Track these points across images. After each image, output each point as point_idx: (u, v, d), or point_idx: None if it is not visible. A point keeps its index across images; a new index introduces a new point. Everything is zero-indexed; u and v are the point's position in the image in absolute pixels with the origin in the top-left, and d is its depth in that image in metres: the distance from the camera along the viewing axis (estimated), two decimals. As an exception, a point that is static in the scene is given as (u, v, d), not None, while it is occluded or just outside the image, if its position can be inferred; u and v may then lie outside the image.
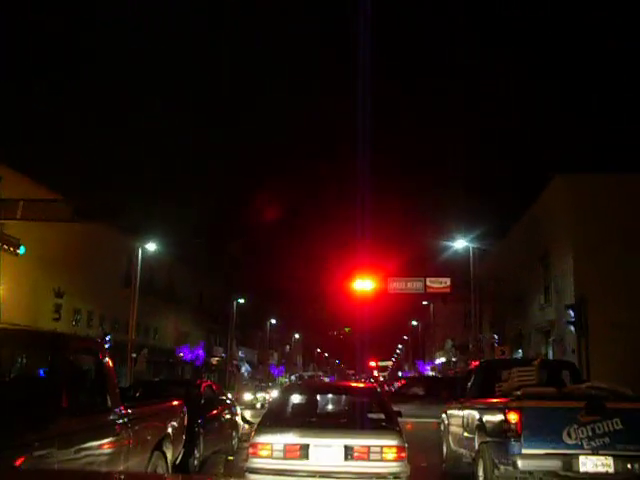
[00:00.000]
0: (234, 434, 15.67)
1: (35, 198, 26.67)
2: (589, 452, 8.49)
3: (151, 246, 40.16)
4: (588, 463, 8.47)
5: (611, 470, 8.48)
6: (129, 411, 7.72)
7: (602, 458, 8.48)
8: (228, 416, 15.55)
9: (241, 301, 66.23)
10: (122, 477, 2.74)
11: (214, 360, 64.51)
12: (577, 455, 8.48)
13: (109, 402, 7.34)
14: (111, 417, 7.24)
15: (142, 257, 39.37)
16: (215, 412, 14.33)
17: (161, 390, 14.55)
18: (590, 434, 8.52)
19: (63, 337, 8.50)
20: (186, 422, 10.21)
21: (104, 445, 6.83)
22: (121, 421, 7.37)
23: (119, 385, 9.72)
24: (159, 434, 8.71)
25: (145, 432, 8.19)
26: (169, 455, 8.89)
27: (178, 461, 9.69)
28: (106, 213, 24.04)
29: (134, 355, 38.31)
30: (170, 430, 9.11)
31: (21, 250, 29.18)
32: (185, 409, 10.22)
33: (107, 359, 7.75)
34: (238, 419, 16.87)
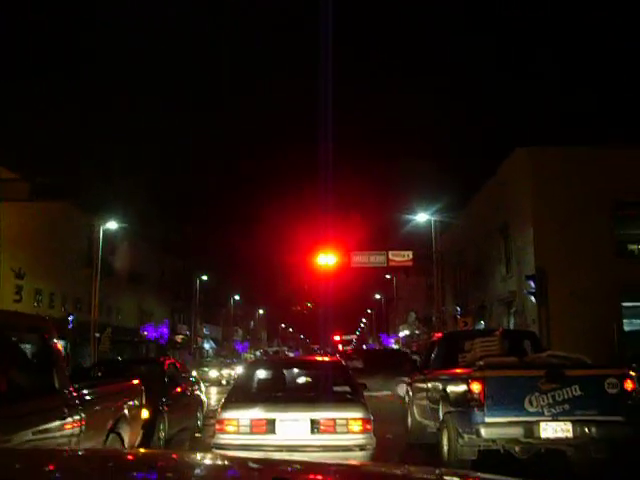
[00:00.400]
0: (199, 411, 15.41)
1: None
2: (549, 419, 8.69)
3: (112, 225, 39.75)
4: (549, 429, 8.68)
5: (570, 435, 8.70)
6: (80, 393, 7.44)
7: (562, 424, 8.69)
8: (193, 393, 15.41)
9: (204, 278, 66.03)
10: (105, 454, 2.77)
11: (179, 338, 64.33)
12: (538, 422, 8.68)
13: (56, 384, 7.00)
14: (59, 400, 6.88)
15: (103, 236, 38.97)
16: (179, 390, 14.17)
17: (124, 369, 14.44)
18: (550, 401, 8.71)
19: (3, 314, 7.97)
20: (144, 401, 9.92)
21: (51, 429, 6.54)
22: (70, 403, 7.03)
23: (81, 365, 9.63)
24: (114, 415, 8.38)
25: (98, 414, 7.84)
26: (126, 437, 8.55)
27: (137, 442, 9.31)
28: (64, 192, 23.69)
29: (97, 335, 38.03)
30: (126, 411, 8.80)
31: (-21, 231, 28.73)
32: (142, 388, 9.83)
33: (55, 339, 7.35)
34: (203, 396, 16.63)
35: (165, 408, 12.24)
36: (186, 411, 14.23)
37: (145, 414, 10.20)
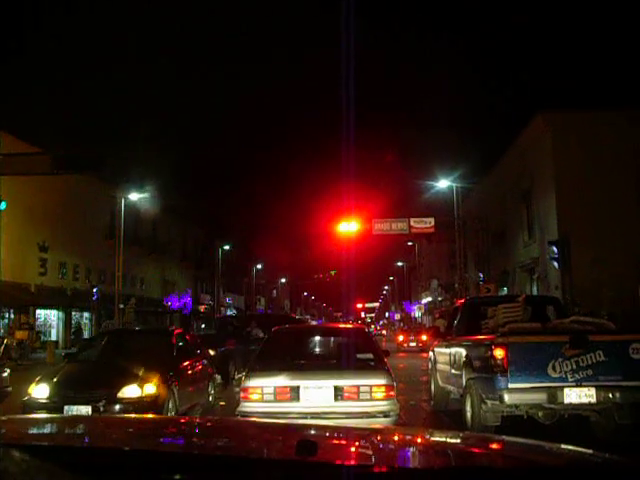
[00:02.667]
0: (210, 387, 13.80)
1: (13, 152, 26.35)
2: (573, 384, 8.68)
3: (134, 196, 39.91)
4: (572, 395, 8.67)
5: (593, 400, 8.69)
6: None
7: (585, 389, 8.68)
8: (204, 367, 13.82)
9: (226, 247, 66.30)
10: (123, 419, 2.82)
11: (202, 307, 64.80)
12: (562, 387, 8.67)
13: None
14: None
15: (125, 207, 39.17)
16: (189, 363, 12.69)
17: (129, 340, 13.49)
18: (574, 367, 8.70)
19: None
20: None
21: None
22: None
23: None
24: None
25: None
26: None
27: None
28: (86, 164, 23.72)
29: (122, 306, 38.43)
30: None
31: (2, 206, 28.93)
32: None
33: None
34: (214, 370, 14.91)
35: (175, 383, 10.93)
36: (197, 386, 12.66)
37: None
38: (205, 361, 13.96)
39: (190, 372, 12.47)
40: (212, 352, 15.98)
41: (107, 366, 11.25)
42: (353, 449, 2.35)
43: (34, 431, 2.52)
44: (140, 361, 10.74)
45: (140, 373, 10.24)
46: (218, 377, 15.20)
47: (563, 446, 2.11)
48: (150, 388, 10.07)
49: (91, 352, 12.78)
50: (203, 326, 28.60)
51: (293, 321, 25.51)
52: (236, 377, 17.69)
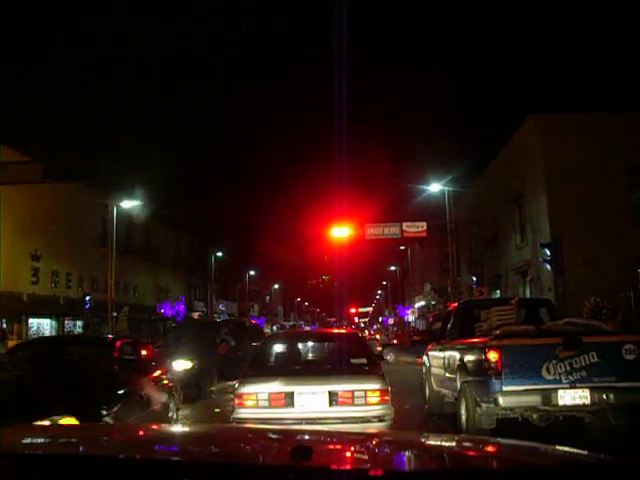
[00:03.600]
0: (171, 407, 10.93)
1: (4, 161, 26.30)
2: (567, 386, 8.70)
3: (126, 204, 39.84)
4: (566, 396, 8.69)
5: (588, 402, 8.71)
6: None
7: (579, 391, 8.70)
8: (160, 385, 10.88)
9: (219, 254, 66.24)
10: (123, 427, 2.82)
11: (195, 315, 64.66)
12: (556, 389, 8.69)
13: None
14: None
15: (117, 215, 39.10)
16: (136, 382, 9.66)
17: (57, 354, 10.17)
18: (568, 368, 8.72)
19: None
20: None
21: None
22: None
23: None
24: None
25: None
26: None
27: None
28: (79, 173, 23.68)
29: (115, 314, 38.33)
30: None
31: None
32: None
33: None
34: (174, 392, 11.63)
35: (112, 412, 8.05)
36: (147, 411, 9.58)
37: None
38: (165, 376, 11.52)
39: (139, 394, 9.54)
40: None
41: (16, 392, 7.76)
42: (348, 453, 2.35)
43: (28, 440, 2.52)
44: (65, 383, 7.95)
45: (58, 403, 6.59)
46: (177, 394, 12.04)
47: (558, 447, 2.12)
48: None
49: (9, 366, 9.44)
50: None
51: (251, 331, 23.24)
52: (214, 388, 17.57)
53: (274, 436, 2.68)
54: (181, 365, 16.07)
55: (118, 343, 10.12)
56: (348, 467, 2.05)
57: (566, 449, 2.05)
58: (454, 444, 2.60)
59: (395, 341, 39.96)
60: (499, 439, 2.63)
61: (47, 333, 39.18)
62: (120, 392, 8.83)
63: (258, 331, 24.21)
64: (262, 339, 21.46)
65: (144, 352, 11.29)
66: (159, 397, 10.34)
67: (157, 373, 11.15)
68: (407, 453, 2.37)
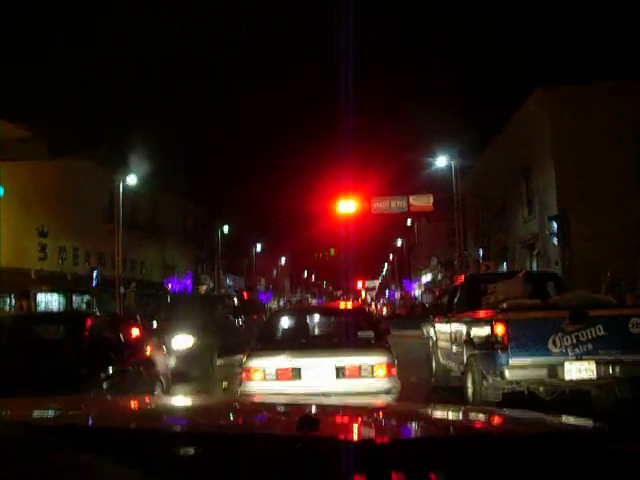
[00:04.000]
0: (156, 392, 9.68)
1: (9, 138, 26.25)
2: (573, 359, 8.72)
3: (132, 179, 39.80)
4: (572, 370, 8.71)
5: (593, 375, 8.73)
6: None
7: (585, 364, 8.72)
8: (145, 371, 9.56)
9: (226, 229, 66.22)
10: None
11: (202, 289, 64.76)
12: (562, 362, 8.71)
13: None
14: None
15: (124, 190, 39.09)
16: (115, 369, 8.38)
17: (21, 333, 9.02)
18: (574, 342, 8.73)
19: None
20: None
21: None
22: None
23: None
24: None
25: None
26: None
27: None
28: (82, 147, 23.66)
29: (122, 289, 38.45)
30: None
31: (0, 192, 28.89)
32: None
33: None
34: (162, 377, 10.29)
35: None
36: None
37: None
38: (157, 358, 10.21)
39: (112, 380, 8.18)
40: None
41: None
42: (355, 424, 2.37)
43: (38, 412, 2.54)
44: (19, 369, 7.05)
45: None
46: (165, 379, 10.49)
47: (564, 418, 2.13)
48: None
49: None
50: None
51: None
52: (219, 363, 17.10)
53: (281, 408, 2.71)
54: (182, 341, 15.44)
55: (89, 321, 8.88)
56: (355, 436, 2.07)
57: (572, 419, 2.06)
58: (460, 414, 2.62)
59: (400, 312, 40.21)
60: (505, 410, 2.65)
61: (55, 309, 39.40)
62: (84, 378, 7.40)
63: (257, 305, 24.05)
64: (262, 312, 21.47)
65: (135, 332, 10.15)
66: (140, 383, 9.06)
67: (144, 355, 9.78)
68: (413, 423, 2.38)
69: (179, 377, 13.66)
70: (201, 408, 2.82)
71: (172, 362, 13.73)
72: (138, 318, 17.21)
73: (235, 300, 20.72)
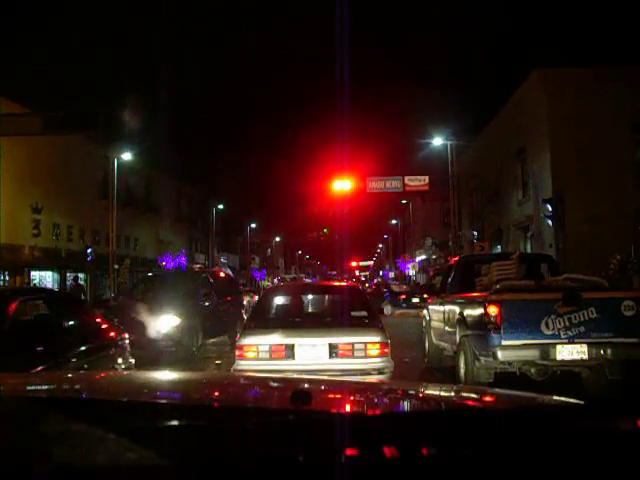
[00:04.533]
0: None
1: (4, 113, 26.12)
2: (565, 341, 8.77)
3: (127, 156, 39.69)
4: (564, 351, 8.76)
5: (585, 357, 8.79)
6: None
7: (577, 346, 8.77)
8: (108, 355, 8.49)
9: (221, 207, 66.16)
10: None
11: (196, 267, 64.73)
12: (554, 344, 8.76)
13: None
14: None
15: (118, 167, 38.98)
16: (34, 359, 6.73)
17: None
18: (567, 324, 8.77)
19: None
20: None
21: None
22: None
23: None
24: None
25: None
26: None
27: None
28: (78, 124, 23.50)
29: (116, 267, 38.44)
30: None
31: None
32: None
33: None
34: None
35: None
36: None
37: None
38: (115, 349, 8.71)
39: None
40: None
41: None
42: (348, 399, 2.38)
43: (32, 385, 2.55)
44: None
45: None
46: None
47: (555, 398, 2.15)
48: None
49: None
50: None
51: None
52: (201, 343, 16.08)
53: (274, 383, 2.72)
54: (168, 322, 14.49)
55: (13, 305, 7.12)
56: (348, 410, 2.08)
57: (564, 399, 2.07)
58: (452, 393, 2.64)
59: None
60: (497, 389, 2.67)
61: (49, 286, 39.41)
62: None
63: (234, 286, 21.22)
64: (236, 294, 20.55)
65: (95, 318, 9.09)
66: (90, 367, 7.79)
67: (91, 345, 8.13)
68: (406, 399, 2.40)
69: (163, 359, 13.55)
70: (194, 382, 2.83)
71: (156, 343, 14.08)
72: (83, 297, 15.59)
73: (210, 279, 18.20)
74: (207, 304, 16.74)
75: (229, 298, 18.50)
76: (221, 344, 17.17)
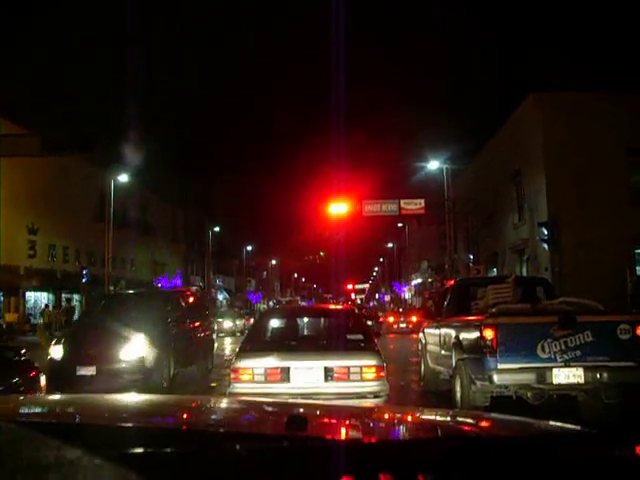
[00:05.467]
0: None
1: (2, 134, 26.21)
2: (562, 364, 8.74)
3: (123, 177, 39.79)
4: (560, 375, 8.73)
5: (582, 380, 8.76)
6: None
7: (573, 370, 8.74)
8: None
9: (217, 229, 66.22)
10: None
11: (193, 289, 64.59)
12: (550, 368, 8.73)
13: None
14: None
15: (114, 188, 39.05)
16: None
17: None
18: (563, 347, 8.75)
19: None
20: None
21: None
22: None
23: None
24: None
25: None
26: None
27: None
28: (75, 146, 23.60)
29: (112, 288, 38.40)
30: None
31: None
32: None
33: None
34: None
35: None
36: None
37: None
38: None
39: None
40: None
41: None
42: (343, 425, 2.37)
43: (25, 409, 2.53)
44: None
45: None
46: None
47: (552, 423, 2.14)
48: None
49: None
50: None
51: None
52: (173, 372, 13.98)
53: (269, 408, 2.70)
54: (134, 350, 12.34)
55: None
56: (343, 437, 2.07)
57: (559, 424, 2.07)
58: (448, 418, 2.63)
59: (392, 318, 40.83)
60: (493, 414, 2.66)
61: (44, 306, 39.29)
62: None
63: (201, 310, 18.46)
64: (207, 318, 17.69)
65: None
66: None
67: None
68: (402, 425, 2.39)
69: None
70: (187, 406, 2.81)
71: (118, 377, 11.96)
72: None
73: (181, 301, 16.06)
74: (179, 329, 14.63)
75: (198, 323, 16.48)
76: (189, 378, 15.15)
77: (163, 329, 13.63)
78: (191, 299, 17.39)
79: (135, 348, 12.32)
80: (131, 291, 22.70)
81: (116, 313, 14.30)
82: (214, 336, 18.29)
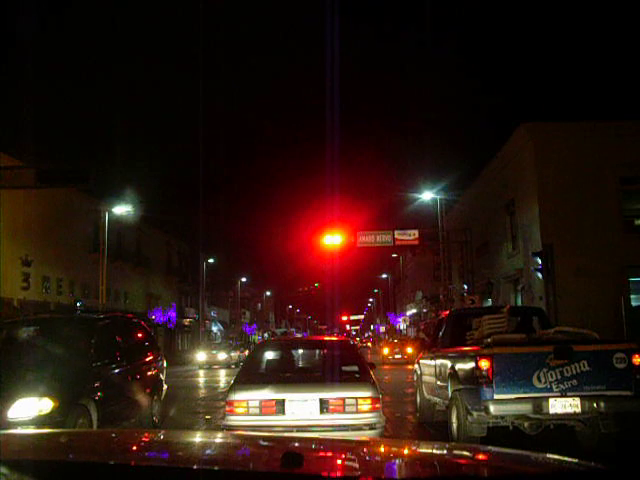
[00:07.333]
0: None
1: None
2: (558, 394, 8.71)
3: (118, 210, 39.81)
4: (557, 405, 8.70)
5: (578, 410, 8.73)
6: None
7: (570, 399, 8.71)
8: None
9: (211, 261, 66.19)
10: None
11: (186, 321, 64.51)
12: (547, 398, 8.70)
13: None
14: None
15: (109, 221, 39.05)
16: None
17: None
18: (559, 377, 8.73)
19: None
20: None
21: None
22: None
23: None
24: None
25: None
26: None
27: None
28: (70, 178, 23.67)
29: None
30: None
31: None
32: None
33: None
34: None
35: None
36: None
37: None
38: None
39: None
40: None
41: None
42: (339, 461, 2.34)
43: (18, 447, 2.50)
44: None
45: None
46: None
47: (549, 455, 2.12)
48: None
49: None
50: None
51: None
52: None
53: (265, 443, 2.68)
54: (27, 408, 8.49)
55: None
56: (339, 474, 2.05)
57: (557, 457, 2.05)
58: (445, 452, 2.60)
59: (387, 349, 41.02)
60: (490, 447, 2.64)
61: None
62: None
63: (148, 340, 13.68)
64: (154, 353, 13.41)
65: None
66: None
67: None
68: (398, 460, 2.37)
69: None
70: (184, 442, 2.79)
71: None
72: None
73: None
74: (107, 371, 10.60)
75: (141, 360, 12.31)
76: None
77: (81, 372, 9.84)
78: (130, 327, 13.22)
79: (32, 403, 8.57)
80: (43, 315, 16.44)
81: (14, 349, 10.69)
82: (162, 376, 13.34)
